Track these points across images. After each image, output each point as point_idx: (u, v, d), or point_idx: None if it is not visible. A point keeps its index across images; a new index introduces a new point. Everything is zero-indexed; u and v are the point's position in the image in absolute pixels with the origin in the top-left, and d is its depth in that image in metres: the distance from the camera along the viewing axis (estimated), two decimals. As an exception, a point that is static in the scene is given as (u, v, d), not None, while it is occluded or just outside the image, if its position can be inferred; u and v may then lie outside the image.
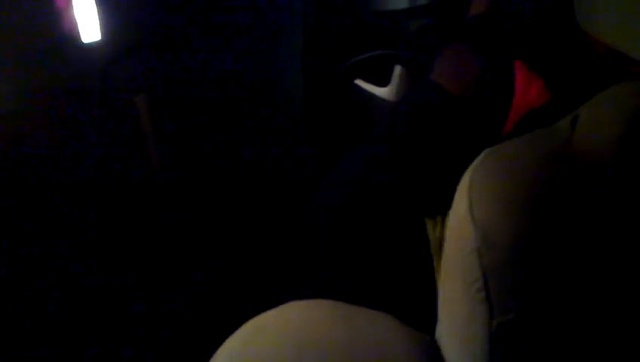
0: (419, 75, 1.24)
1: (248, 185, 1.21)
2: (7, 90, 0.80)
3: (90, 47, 0.90)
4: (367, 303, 0.52)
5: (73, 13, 0.87)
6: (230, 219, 1.11)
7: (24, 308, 0.91)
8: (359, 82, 1.32)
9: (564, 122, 0.45)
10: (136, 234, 1.05)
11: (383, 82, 1.27)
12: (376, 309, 0.52)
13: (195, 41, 1.17)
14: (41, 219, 0.93)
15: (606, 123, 0.44)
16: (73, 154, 0.92)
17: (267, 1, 1.39)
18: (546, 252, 0.40)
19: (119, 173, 1.01)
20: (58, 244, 0.94)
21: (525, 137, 0.47)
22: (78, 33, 0.88)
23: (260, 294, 0.92)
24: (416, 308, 0.55)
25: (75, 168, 0.94)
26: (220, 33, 1.23)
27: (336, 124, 1.43)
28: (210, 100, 1.22)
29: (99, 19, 0.90)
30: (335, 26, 1.37)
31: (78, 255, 0.96)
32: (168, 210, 1.08)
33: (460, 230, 0.41)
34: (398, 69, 1.25)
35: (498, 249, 0.39)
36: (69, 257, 0.94)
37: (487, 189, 0.42)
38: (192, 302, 1.10)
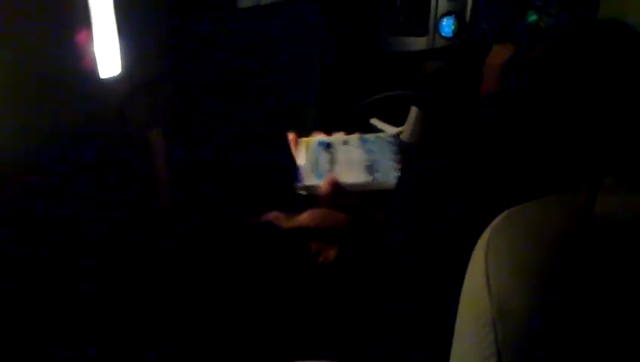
0: (434, 116, 1.24)
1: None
2: (19, 125, 0.80)
3: (108, 82, 0.90)
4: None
5: (93, 49, 0.88)
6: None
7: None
8: (374, 121, 1.32)
9: (584, 188, 0.44)
10: (139, 272, 1.03)
11: (398, 122, 1.27)
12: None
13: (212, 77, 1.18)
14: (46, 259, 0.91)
15: (632, 186, 0.43)
16: (85, 187, 0.92)
17: (287, 36, 1.40)
18: (565, 327, 0.38)
19: (130, 207, 1.00)
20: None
21: (544, 200, 0.45)
22: (97, 68, 0.89)
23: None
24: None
25: (85, 201, 0.93)
26: (237, 70, 1.24)
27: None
28: (225, 135, 1.22)
29: (119, 54, 0.91)
30: (353, 63, 1.38)
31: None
32: (176, 248, 1.06)
33: (476, 299, 0.40)
34: (414, 110, 1.24)
35: (514, 323, 0.38)
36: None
37: (505, 257, 0.40)
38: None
